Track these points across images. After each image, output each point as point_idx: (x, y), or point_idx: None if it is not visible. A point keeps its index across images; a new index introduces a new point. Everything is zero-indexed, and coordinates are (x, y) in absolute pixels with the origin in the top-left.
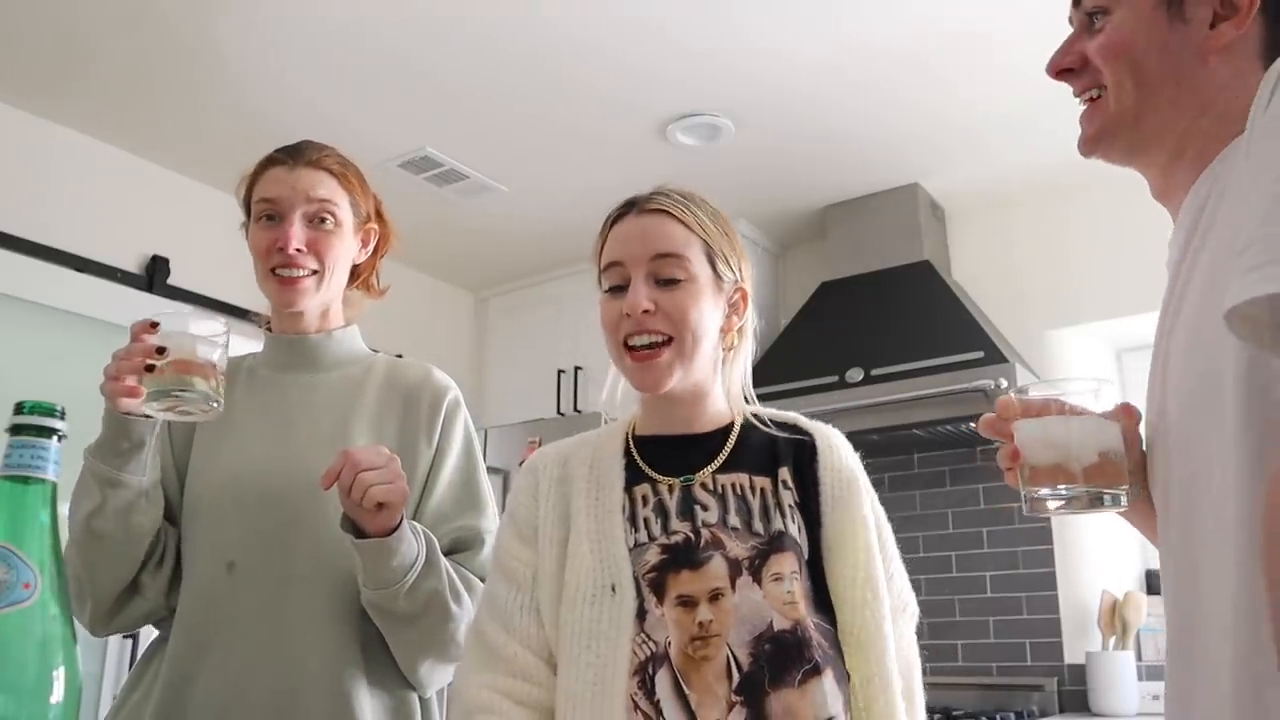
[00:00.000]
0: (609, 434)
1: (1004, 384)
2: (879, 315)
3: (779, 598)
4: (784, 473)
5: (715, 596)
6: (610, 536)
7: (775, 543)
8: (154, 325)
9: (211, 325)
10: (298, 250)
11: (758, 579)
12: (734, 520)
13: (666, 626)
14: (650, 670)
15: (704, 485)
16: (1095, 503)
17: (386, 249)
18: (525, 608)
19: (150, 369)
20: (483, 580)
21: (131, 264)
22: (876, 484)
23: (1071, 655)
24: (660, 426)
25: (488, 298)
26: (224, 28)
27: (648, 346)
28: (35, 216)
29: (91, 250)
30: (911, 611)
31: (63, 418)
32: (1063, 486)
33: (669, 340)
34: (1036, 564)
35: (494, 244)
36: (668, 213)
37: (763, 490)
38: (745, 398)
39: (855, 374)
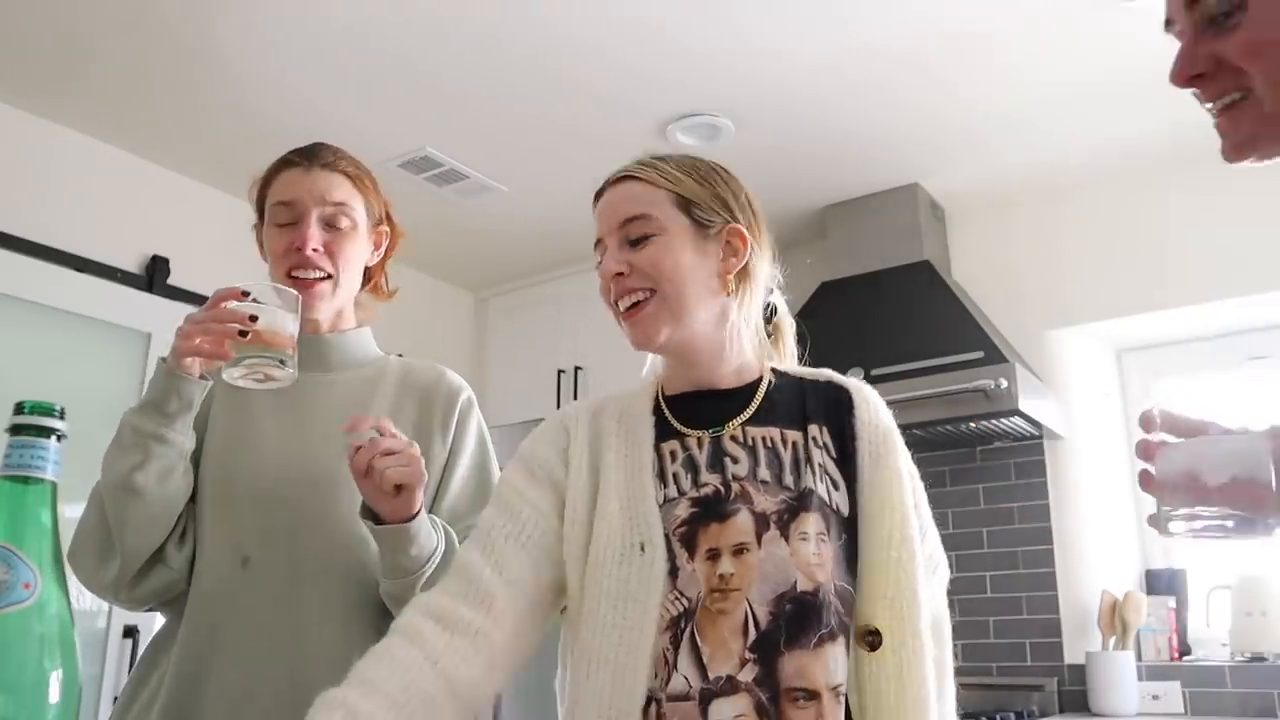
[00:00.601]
0: (638, 392)
1: (1004, 384)
2: (879, 315)
3: (805, 558)
4: (814, 429)
5: (739, 550)
6: (640, 494)
7: (804, 500)
8: (245, 293)
9: (287, 297)
10: (314, 251)
11: (785, 535)
12: (764, 473)
13: (698, 581)
14: (682, 625)
15: (733, 437)
16: (1245, 528)
17: (394, 252)
18: (512, 537)
19: (243, 334)
20: None
21: (131, 264)
22: None
23: (1071, 655)
24: (684, 384)
25: (488, 298)
26: (224, 28)
27: (633, 305)
28: (35, 216)
29: (91, 250)
30: (943, 572)
31: (63, 418)
32: (1200, 510)
33: (652, 293)
34: (1036, 564)
35: (494, 244)
36: (631, 177)
37: (794, 444)
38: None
39: (855, 374)
